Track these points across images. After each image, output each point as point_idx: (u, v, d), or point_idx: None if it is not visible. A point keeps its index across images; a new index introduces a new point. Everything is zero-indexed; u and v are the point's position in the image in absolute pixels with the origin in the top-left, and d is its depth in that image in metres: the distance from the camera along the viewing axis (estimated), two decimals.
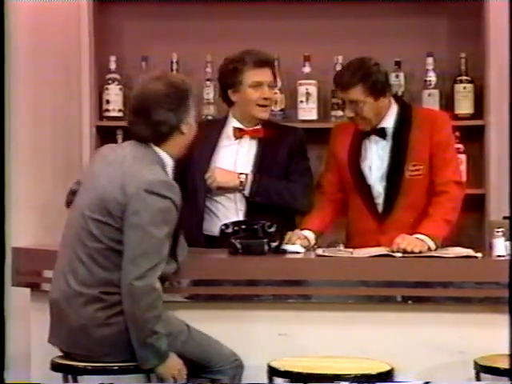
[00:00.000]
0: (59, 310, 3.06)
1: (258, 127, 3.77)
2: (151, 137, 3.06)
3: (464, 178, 4.21)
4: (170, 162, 3.11)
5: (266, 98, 3.69)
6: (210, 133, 3.78)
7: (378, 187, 3.67)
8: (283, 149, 3.73)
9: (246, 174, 3.68)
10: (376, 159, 3.67)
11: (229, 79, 3.71)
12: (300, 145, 3.78)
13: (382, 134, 3.65)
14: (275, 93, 3.99)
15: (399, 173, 3.64)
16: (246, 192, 3.67)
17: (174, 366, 3.04)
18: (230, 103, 3.77)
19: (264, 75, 3.68)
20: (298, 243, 3.51)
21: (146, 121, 3.05)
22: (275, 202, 3.67)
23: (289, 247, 3.47)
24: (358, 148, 3.69)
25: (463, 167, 4.31)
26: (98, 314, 2.99)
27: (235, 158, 3.75)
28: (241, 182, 3.66)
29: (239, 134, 3.76)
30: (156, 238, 2.95)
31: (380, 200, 3.67)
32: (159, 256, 2.97)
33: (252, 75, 3.67)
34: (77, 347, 3.04)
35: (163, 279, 3.04)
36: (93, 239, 3.00)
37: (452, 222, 3.56)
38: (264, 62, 3.68)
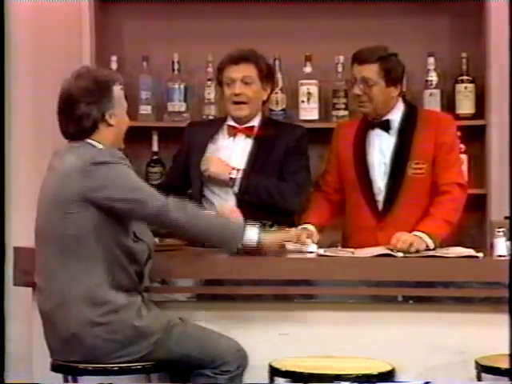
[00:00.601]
0: (49, 323, 3.05)
1: (251, 125, 3.75)
2: (76, 132, 3.05)
3: (466, 179, 4.21)
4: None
5: (236, 94, 3.66)
6: (209, 131, 3.78)
7: (380, 184, 3.67)
8: (279, 147, 3.72)
9: (238, 170, 3.66)
10: (378, 153, 3.68)
11: (218, 79, 3.75)
12: (298, 143, 3.76)
13: (386, 126, 3.66)
14: (276, 90, 3.98)
15: (401, 170, 3.64)
16: (236, 189, 3.67)
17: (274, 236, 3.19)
18: None
19: (237, 71, 3.67)
20: (309, 242, 3.46)
21: (69, 117, 3.05)
22: (264, 200, 3.64)
23: (303, 248, 3.42)
24: (362, 142, 3.70)
25: (464, 167, 4.30)
26: (88, 314, 2.98)
27: (230, 155, 3.74)
28: (231, 178, 3.65)
29: (232, 131, 3.76)
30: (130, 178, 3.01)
31: (380, 197, 3.67)
32: (145, 191, 3.01)
33: (226, 72, 3.69)
34: (72, 355, 3.02)
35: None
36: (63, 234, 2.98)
37: (452, 224, 3.56)
38: (238, 59, 3.67)
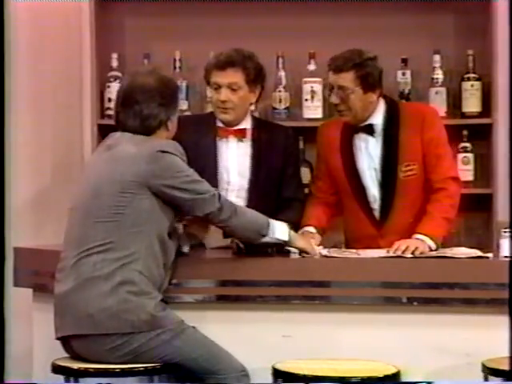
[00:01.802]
0: (66, 302, 3.04)
1: (243, 127, 3.72)
2: (139, 129, 3.11)
3: (471, 177, 4.19)
4: None
5: (222, 101, 3.64)
6: (199, 129, 3.74)
7: (373, 190, 3.63)
8: (278, 150, 3.72)
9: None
10: (367, 159, 3.65)
11: (206, 80, 3.72)
12: (293, 145, 3.79)
13: (370, 130, 3.62)
14: (280, 88, 3.93)
15: (393, 175, 3.61)
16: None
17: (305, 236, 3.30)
18: None
19: (223, 77, 3.63)
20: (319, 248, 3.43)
21: (135, 113, 3.10)
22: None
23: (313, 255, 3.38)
24: (349, 148, 3.66)
25: (470, 166, 4.27)
26: (107, 293, 2.99)
27: (226, 158, 3.71)
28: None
29: (223, 133, 3.72)
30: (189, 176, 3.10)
31: (376, 205, 3.65)
32: (205, 185, 3.11)
33: (213, 77, 3.66)
34: (82, 328, 3.02)
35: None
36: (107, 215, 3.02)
37: (451, 220, 3.54)
38: (225, 64, 3.62)
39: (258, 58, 3.70)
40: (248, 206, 3.47)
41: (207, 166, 3.65)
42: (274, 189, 3.72)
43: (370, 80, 3.54)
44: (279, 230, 3.20)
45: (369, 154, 3.64)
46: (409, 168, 3.60)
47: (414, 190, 3.60)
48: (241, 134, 3.73)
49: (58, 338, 3.09)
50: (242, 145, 3.73)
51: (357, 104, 3.55)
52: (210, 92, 3.79)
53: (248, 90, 3.67)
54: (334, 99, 3.57)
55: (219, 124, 3.74)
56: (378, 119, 3.63)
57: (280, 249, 3.33)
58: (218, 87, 3.64)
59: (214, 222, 3.16)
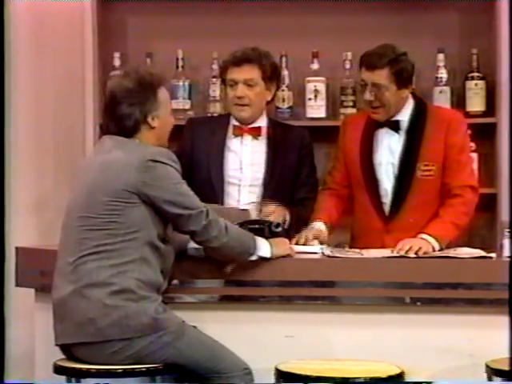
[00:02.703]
0: (65, 309, 3.03)
1: (258, 125, 3.73)
2: (118, 131, 3.09)
3: (477, 181, 4.16)
4: None
5: (239, 97, 3.64)
6: (213, 129, 3.75)
7: (386, 185, 3.61)
8: (293, 150, 3.72)
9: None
10: (387, 153, 3.62)
11: (221, 77, 3.72)
12: (309, 146, 3.77)
13: (395, 126, 3.61)
14: (283, 87, 3.97)
15: (410, 172, 3.59)
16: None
17: (283, 242, 3.21)
18: None
19: (239, 73, 3.63)
20: (315, 243, 3.45)
21: (112, 116, 3.10)
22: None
23: (306, 248, 3.41)
24: (369, 141, 3.65)
25: (475, 166, 4.26)
26: (104, 298, 2.97)
27: (240, 156, 3.72)
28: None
29: (238, 131, 3.73)
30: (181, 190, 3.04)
31: (387, 200, 3.62)
32: (194, 200, 3.04)
33: (229, 74, 3.65)
34: (81, 336, 3.00)
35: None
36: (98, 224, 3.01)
37: (461, 227, 3.52)
38: (242, 60, 3.63)
39: (273, 57, 3.73)
40: None
41: (215, 162, 3.66)
42: (287, 186, 3.72)
43: (405, 75, 3.53)
44: (262, 248, 3.16)
45: (390, 148, 3.62)
46: (427, 168, 3.58)
47: (428, 190, 3.58)
48: (256, 132, 3.73)
49: (57, 345, 3.09)
50: (256, 142, 3.74)
51: (391, 100, 3.54)
52: (220, 90, 3.82)
53: (264, 87, 3.68)
54: (368, 96, 3.54)
55: (235, 123, 3.75)
56: (405, 116, 3.61)
57: None
58: (234, 84, 3.64)
59: (195, 240, 3.10)
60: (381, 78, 3.50)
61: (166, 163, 3.02)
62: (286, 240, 3.28)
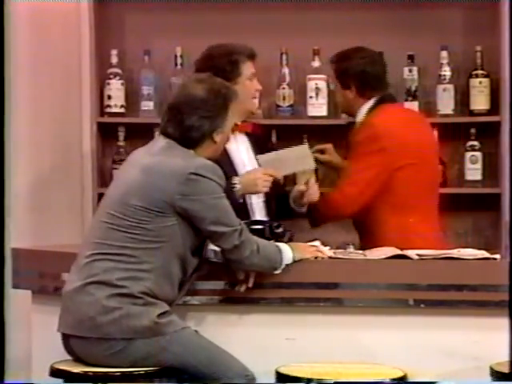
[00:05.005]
0: (69, 302, 3.02)
1: (247, 122, 3.70)
2: (179, 139, 3.04)
3: (479, 176, 4.15)
4: None
5: (258, 90, 3.64)
6: None
7: None
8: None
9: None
10: None
11: (229, 71, 3.60)
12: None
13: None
14: (284, 85, 4.06)
15: None
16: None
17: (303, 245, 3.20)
18: None
19: (254, 68, 3.62)
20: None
21: (177, 122, 3.03)
22: None
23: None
24: None
25: (478, 165, 4.24)
26: (106, 301, 2.94)
27: (239, 156, 3.67)
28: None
29: (241, 128, 3.69)
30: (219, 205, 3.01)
31: None
32: (230, 217, 3.00)
33: (249, 67, 3.61)
34: (82, 330, 2.98)
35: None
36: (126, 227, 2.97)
37: None
38: (255, 55, 3.62)
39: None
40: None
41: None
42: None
43: (345, 76, 3.64)
44: (287, 258, 3.13)
45: None
46: None
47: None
48: (245, 129, 3.68)
49: (59, 332, 3.07)
50: (244, 138, 3.70)
51: (338, 98, 3.71)
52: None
53: None
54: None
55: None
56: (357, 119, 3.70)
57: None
58: (253, 77, 3.62)
59: (225, 256, 3.06)
60: (333, 72, 3.72)
61: (208, 177, 2.97)
62: (306, 244, 3.25)
